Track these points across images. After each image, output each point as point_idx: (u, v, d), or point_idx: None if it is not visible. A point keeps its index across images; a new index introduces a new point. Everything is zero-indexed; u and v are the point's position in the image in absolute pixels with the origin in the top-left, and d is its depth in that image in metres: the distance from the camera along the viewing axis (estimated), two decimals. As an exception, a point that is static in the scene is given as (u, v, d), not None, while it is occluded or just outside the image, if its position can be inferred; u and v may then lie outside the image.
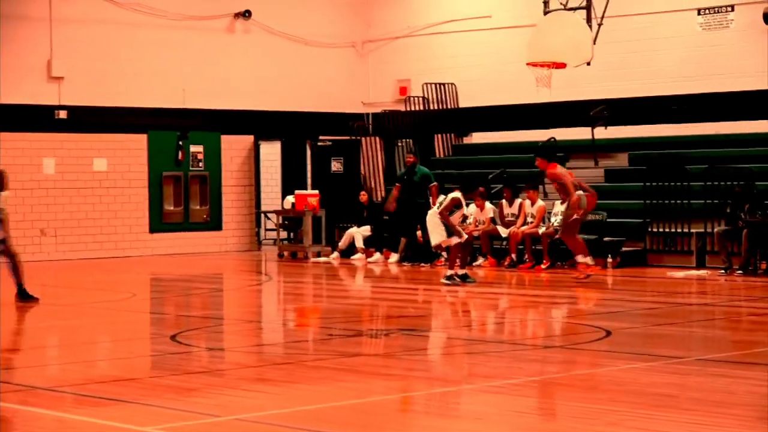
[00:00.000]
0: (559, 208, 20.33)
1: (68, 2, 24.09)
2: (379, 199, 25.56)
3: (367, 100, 27.84)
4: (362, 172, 26.68)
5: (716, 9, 22.54)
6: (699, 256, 20.17)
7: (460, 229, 17.58)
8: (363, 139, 26.81)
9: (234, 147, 26.31)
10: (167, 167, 25.36)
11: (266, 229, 27.79)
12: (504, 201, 21.55)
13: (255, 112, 26.55)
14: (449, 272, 17.76)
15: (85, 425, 8.15)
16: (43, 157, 23.69)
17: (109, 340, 13.03)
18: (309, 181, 26.53)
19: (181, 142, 25.46)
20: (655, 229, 20.83)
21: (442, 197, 17.97)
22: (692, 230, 20.32)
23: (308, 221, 23.78)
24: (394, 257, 22.19)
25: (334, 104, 27.36)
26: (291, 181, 26.35)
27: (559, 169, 18.12)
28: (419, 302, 16.94)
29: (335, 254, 23.41)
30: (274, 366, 10.73)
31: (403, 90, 27.15)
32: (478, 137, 26.47)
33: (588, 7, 21.04)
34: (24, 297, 15.60)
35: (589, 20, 20.96)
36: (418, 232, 20.87)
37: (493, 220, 21.39)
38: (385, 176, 26.26)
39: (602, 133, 23.32)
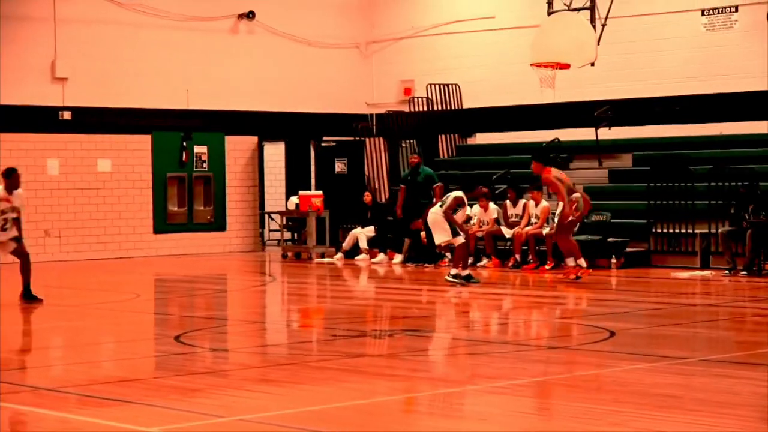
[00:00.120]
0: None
1: (72, 3, 24.11)
2: (383, 200, 25.58)
3: (371, 101, 27.84)
4: (366, 172, 26.68)
5: (720, 10, 22.53)
6: (703, 256, 20.15)
7: (465, 228, 17.59)
8: (367, 139, 26.82)
9: (238, 148, 26.32)
10: (171, 168, 25.37)
11: (270, 230, 27.79)
12: (508, 202, 21.54)
13: (259, 113, 26.56)
14: (454, 270, 17.76)
15: (89, 426, 8.16)
16: (47, 158, 23.71)
17: (113, 340, 13.04)
18: (313, 181, 26.52)
19: (185, 143, 25.47)
20: (659, 230, 20.81)
21: (449, 194, 17.97)
22: (696, 231, 20.31)
23: (312, 222, 23.78)
24: (398, 258, 22.19)
25: (338, 105, 27.36)
26: (295, 182, 26.34)
27: (554, 173, 18.18)
28: (423, 303, 16.94)
29: (339, 255, 23.42)
30: (278, 367, 10.73)
31: (407, 91, 27.15)
32: (482, 138, 26.47)
33: (592, 8, 21.05)
34: (28, 298, 15.62)
35: (593, 21, 20.97)
36: (422, 233, 20.86)
37: (497, 221, 21.39)
38: (389, 177, 26.27)
39: (606, 133, 23.31)
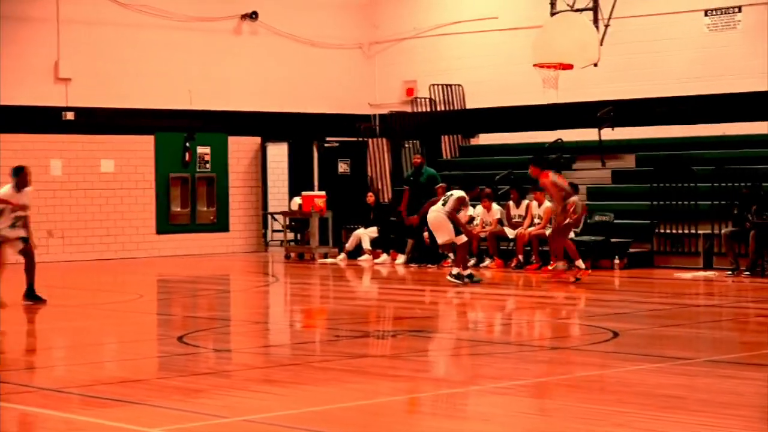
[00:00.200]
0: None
1: (75, 4, 24.12)
2: (386, 200, 25.58)
3: (373, 102, 27.84)
4: (369, 173, 26.68)
5: (723, 10, 22.51)
6: (706, 257, 20.14)
7: (468, 228, 17.60)
8: (370, 140, 26.82)
9: (241, 148, 26.33)
10: (174, 169, 25.38)
11: (273, 231, 27.78)
12: (511, 202, 21.55)
13: (262, 114, 26.56)
14: (455, 270, 17.77)
15: (92, 426, 8.16)
16: (50, 158, 23.71)
17: (116, 341, 13.04)
18: (316, 182, 26.52)
19: (188, 144, 25.48)
20: (662, 231, 20.81)
21: (448, 194, 17.96)
22: (699, 231, 20.30)
23: (315, 222, 23.79)
24: (401, 258, 22.19)
25: (341, 105, 27.36)
26: (298, 183, 26.34)
27: (551, 178, 18.22)
28: (426, 303, 16.93)
29: (342, 255, 23.42)
30: (281, 367, 10.73)
31: (409, 91, 27.15)
32: (485, 138, 26.46)
33: (595, 8, 21.03)
34: (32, 297, 15.62)
35: (595, 21, 20.95)
36: (425, 234, 20.86)
37: (500, 222, 21.39)
38: (392, 178, 26.26)
39: (609, 134, 23.30)
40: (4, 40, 23.19)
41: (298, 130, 26.92)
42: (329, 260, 23.37)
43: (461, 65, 26.34)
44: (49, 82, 23.82)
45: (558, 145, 23.72)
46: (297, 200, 24.46)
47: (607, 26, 20.99)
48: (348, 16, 27.80)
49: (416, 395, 9.40)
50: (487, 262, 21.15)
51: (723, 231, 19.50)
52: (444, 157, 26.25)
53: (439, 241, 18.04)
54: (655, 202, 21.07)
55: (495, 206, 21.54)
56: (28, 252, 15.67)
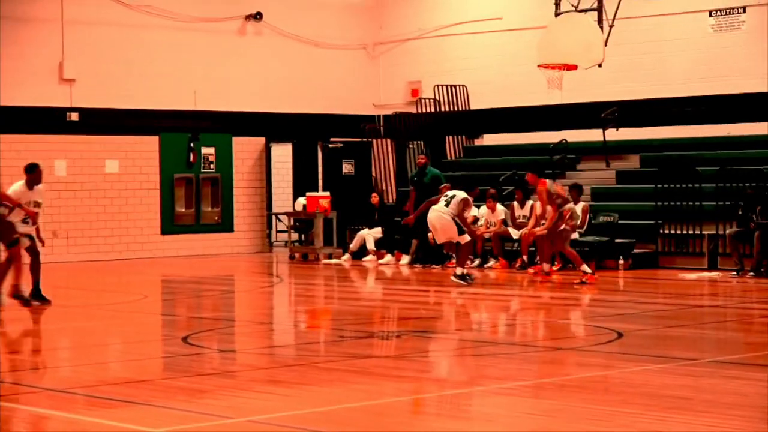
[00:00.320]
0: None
1: (80, 5, 24.14)
2: (390, 201, 25.58)
3: (378, 102, 27.84)
4: (373, 174, 26.68)
5: (728, 10, 22.50)
6: (711, 257, 20.13)
7: (473, 229, 17.62)
8: (374, 141, 26.82)
9: (245, 149, 26.35)
10: (179, 169, 25.40)
11: (277, 231, 27.80)
12: (515, 203, 21.54)
13: (266, 114, 26.58)
14: (459, 270, 17.79)
15: (97, 427, 8.17)
16: (55, 159, 23.73)
17: (121, 341, 13.05)
18: (320, 182, 26.54)
19: (192, 144, 25.50)
20: (666, 231, 20.80)
21: (448, 194, 17.92)
22: (704, 232, 20.29)
23: (319, 223, 23.79)
24: (405, 259, 22.18)
25: (346, 106, 27.37)
26: (302, 183, 26.36)
27: (548, 186, 18.28)
28: (430, 304, 16.93)
29: (346, 256, 23.42)
30: (286, 368, 10.73)
31: (414, 92, 27.16)
32: (489, 139, 26.47)
33: (599, 9, 21.03)
34: (37, 297, 15.62)
35: (600, 22, 20.95)
36: (430, 234, 20.86)
37: (504, 222, 21.39)
38: (397, 178, 26.26)
39: (613, 134, 23.30)
40: (9, 41, 23.22)
41: (302, 130, 26.94)
42: (333, 261, 23.38)
43: (466, 66, 26.34)
44: (53, 83, 23.84)
45: (562, 145, 23.72)
46: (301, 201, 24.47)
47: (611, 27, 20.98)
48: (352, 17, 27.81)
49: (421, 396, 9.40)
50: (492, 262, 21.14)
51: (727, 231, 19.49)
52: (448, 157, 26.25)
53: (439, 241, 18.09)
54: (659, 203, 21.06)
55: (499, 207, 21.54)
56: (34, 250, 15.67)
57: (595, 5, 21.04)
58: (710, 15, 22.76)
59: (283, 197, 27.79)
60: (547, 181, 18.56)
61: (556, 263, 20.11)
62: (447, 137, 26.48)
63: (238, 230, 26.19)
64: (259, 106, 26.43)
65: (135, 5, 24.75)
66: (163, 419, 8.33)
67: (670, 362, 10.55)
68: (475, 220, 21.27)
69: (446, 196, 17.96)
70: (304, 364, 10.82)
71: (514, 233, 21.06)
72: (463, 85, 26.38)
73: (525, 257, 20.57)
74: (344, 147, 26.52)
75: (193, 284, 20.17)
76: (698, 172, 20.87)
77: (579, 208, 20.66)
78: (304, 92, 26.93)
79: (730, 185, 20.31)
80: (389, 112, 27.22)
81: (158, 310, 16.45)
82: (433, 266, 21.24)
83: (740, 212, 19.38)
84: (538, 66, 20.94)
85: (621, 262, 20.20)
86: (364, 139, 26.75)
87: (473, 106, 26.35)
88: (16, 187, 15.64)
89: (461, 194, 17.77)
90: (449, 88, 26.36)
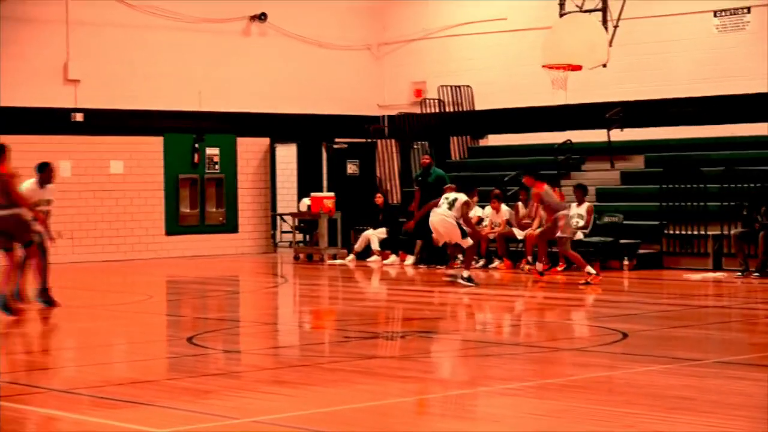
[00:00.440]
0: (575, 210, 20.36)
1: (84, 5, 24.15)
2: (395, 201, 25.58)
3: (382, 103, 27.84)
4: (378, 174, 26.68)
5: (732, 11, 22.49)
6: (715, 258, 20.12)
7: (477, 230, 17.64)
8: (378, 141, 26.82)
9: (250, 149, 26.35)
10: (183, 170, 25.41)
11: (282, 232, 27.78)
12: (520, 203, 21.54)
13: (271, 115, 26.58)
14: (466, 273, 17.81)
15: (102, 427, 8.17)
16: (60, 159, 23.70)
17: (126, 342, 13.06)
18: (325, 183, 26.53)
19: (197, 145, 25.51)
20: (671, 232, 20.79)
21: (449, 196, 17.90)
22: (708, 232, 20.28)
23: (324, 224, 23.80)
24: (409, 259, 22.19)
25: (350, 107, 27.37)
26: (307, 184, 26.34)
27: (545, 190, 18.31)
28: (435, 304, 16.93)
29: (351, 256, 23.43)
30: (291, 368, 10.74)
31: (418, 92, 27.15)
32: (493, 139, 26.46)
33: (604, 9, 21.01)
34: (44, 299, 15.62)
35: (604, 22, 20.93)
36: (433, 235, 20.86)
37: (508, 223, 21.38)
38: (401, 179, 26.26)
39: (618, 135, 23.29)
40: (13, 42, 23.24)
41: (306, 131, 26.93)
42: (338, 261, 23.38)
43: (470, 66, 26.34)
44: (58, 84, 23.86)
45: (567, 146, 23.71)
46: (306, 201, 24.47)
47: (616, 27, 20.95)
48: (357, 18, 27.80)
49: (425, 396, 9.41)
50: (496, 263, 21.14)
51: (732, 232, 19.48)
52: (453, 158, 26.25)
53: (440, 242, 18.12)
54: (664, 203, 21.05)
55: (504, 207, 21.54)
56: (43, 248, 15.67)
57: (600, 6, 21.02)
58: (715, 15, 22.74)
59: (287, 198, 27.78)
60: (545, 185, 18.53)
61: (560, 264, 20.11)
62: (451, 138, 26.49)
63: (243, 231, 26.19)
64: (264, 107, 26.44)
65: (139, 6, 24.76)
66: (168, 420, 8.33)
67: (675, 363, 10.55)
68: (480, 220, 21.28)
69: (447, 198, 17.94)
70: (309, 365, 10.83)
71: (519, 234, 21.06)
72: (467, 86, 26.38)
73: (529, 258, 20.56)
74: (349, 147, 26.51)
75: (198, 285, 20.18)
76: (703, 173, 20.86)
77: (584, 208, 20.68)
78: (308, 93, 26.93)
79: (735, 186, 20.31)
80: (394, 112, 27.23)
81: (163, 311, 16.47)
82: (438, 267, 21.22)
83: (745, 213, 19.38)
84: (543, 66, 20.93)
85: (626, 262, 20.20)
86: (369, 140, 26.75)
87: (478, 107, 26.34)
88: (27, 186, 15.66)
89: (462, 197, 17.78)
90: (453, 88, 26.36)
